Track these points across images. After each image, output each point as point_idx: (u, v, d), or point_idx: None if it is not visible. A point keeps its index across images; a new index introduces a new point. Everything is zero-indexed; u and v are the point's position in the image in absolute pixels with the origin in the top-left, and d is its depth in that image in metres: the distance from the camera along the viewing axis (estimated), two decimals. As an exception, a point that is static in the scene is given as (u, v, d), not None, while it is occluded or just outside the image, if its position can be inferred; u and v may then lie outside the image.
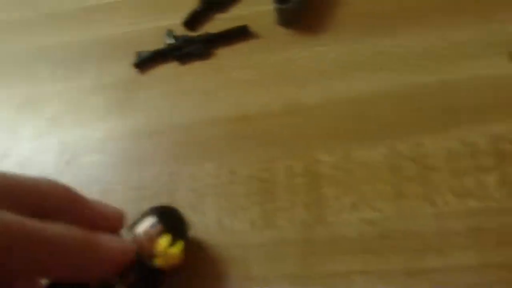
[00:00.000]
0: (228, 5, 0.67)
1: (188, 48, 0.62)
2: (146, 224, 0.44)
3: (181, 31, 0.65)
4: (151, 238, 0.43)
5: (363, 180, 0.48)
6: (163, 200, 0.49)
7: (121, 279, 0.41)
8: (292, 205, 0.48)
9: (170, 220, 0.45)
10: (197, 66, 0.61)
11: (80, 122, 0.61)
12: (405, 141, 0.49)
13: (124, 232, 0.45)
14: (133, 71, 0.63)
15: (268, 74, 0.58)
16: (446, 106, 0.50)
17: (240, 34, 0.62)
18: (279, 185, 0.49)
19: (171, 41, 0.63)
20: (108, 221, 0.44)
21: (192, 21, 0.66)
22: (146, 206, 0.47)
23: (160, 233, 0.44)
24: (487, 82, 0.51)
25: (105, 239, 0.41)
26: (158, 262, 0.42)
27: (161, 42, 0.64)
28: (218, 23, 0.66)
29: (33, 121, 0.62)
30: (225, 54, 0.62)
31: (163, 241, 0.43)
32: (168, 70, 0.62)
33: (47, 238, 0.36)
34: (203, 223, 0.49)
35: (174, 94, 0.59)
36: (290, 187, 0.49)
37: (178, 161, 0.54)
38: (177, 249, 0.44)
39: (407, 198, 0.46)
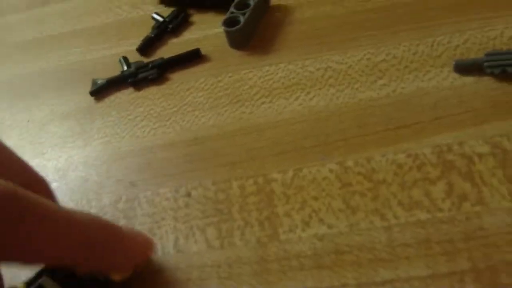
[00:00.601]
0: (180, 30, 0.66)
1: (142, 74, 0.61)
2: None
3: (136, 57, 0.65)
4: None
5: (314, 197, 0.47)
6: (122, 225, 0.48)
7: None
8: (246, 224, 0.47)
9: None
10: (152, 91, 0.61)
11: (40, 152, 0.60)
12: (354, 156, 0.49)
13: None
14: (90, 99, 0.62)
15: (221, 96, 0.57)
16: (393, 120, 0.50)
17: (192, 57, 0.62)
18: (233, 205, 0.49)
19: (125, 68, 0.63)
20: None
21: (146, 47, 0.65)
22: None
23: None
24: (433, 94, 0.51)
25: (129, 232, 0.39)
26: (112, 275, 0.42)
27: (117, 69, 0.63)
28: (172, 47, 0.65)
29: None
30: (179, 78, 0.61)
31: None
32: (124, 96, 0.61)
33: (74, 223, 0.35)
34: (160, 246, 0.48)
35: (130, 120, 0.59)
36: (244, 206, 0.48)
37: (135, 186, 0.53)
38: None
39: (358, 213, 0.45)
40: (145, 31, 0.67)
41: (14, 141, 0.62)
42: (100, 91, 0.62)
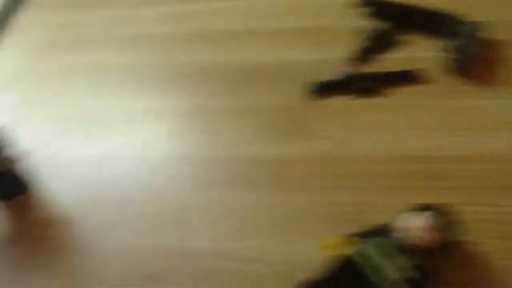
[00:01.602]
0: (390, 46, 0.65)
1: (357, 83, 0.60)
2: (424, 220, 0.44)
3: (342, 66, 0.63)
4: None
5: None
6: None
7: None
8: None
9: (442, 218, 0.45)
10: (365, 103, 0.60)
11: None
12: None
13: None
14: (298, 98, 0.62)
15: (444, 119, 0.57)
16: None
17: (405, 77, 0.61)
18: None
19: (345, 74, 0.62)
20: None
21: (361, 57, 0.64)
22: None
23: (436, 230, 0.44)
24: None
25: None
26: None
27: (321, 74, 0.63)
28: (381, 62, 0.64)
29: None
30: (389, 94, 0.60)
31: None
32: (336, 102, 0.61)
33: None
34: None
35: (346, 127, 0.58)
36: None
37: (365, 189, 0.53)
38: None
39: None
40: (348, 42, 0.66)
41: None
42: (318, 92, 0.61)
